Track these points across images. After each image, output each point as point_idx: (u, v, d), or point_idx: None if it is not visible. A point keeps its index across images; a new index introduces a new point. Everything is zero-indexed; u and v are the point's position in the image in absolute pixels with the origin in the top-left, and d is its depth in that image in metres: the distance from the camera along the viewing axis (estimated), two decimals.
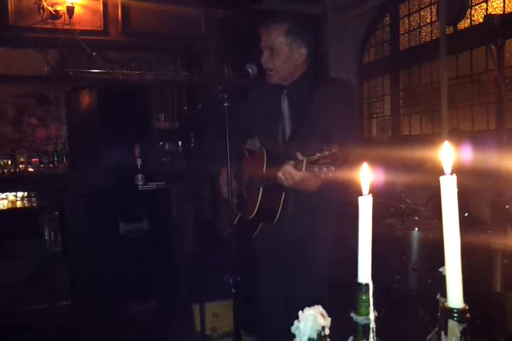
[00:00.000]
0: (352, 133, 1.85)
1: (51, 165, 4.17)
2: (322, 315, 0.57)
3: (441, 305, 0.68)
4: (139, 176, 3.17)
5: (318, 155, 1.51)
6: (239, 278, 1.76)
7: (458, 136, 3.04)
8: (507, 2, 3.15)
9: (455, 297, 0.59)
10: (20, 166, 4.07)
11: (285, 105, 1.93)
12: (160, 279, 3.18)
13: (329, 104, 1.80)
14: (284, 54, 1.86)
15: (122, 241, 3.10)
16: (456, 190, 0.57)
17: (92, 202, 3.19)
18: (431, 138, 3.81)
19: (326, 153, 1.49)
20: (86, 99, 3.37)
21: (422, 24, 4.05)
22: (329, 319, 0.57)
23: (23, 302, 3.22)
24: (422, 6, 4.04)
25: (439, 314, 0.70)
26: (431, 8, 3.93)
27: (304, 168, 1.56)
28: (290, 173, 1.60)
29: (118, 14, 4.07)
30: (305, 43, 1.88)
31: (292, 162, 1.61)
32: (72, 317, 3.28)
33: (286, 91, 1.94)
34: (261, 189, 1.79)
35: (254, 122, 2.05)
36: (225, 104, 1.67)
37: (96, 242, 3.15)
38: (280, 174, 1.64)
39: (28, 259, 3.38)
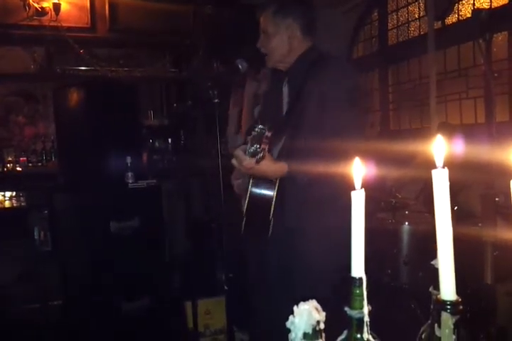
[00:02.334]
0: (342, 119, 1.70)
1: (40, 164, 4.14)
2: (317, 309, 0.57)
3: (434, 297, 0.68)
4: (129, 174, 3.15)
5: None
6: (231, 275, 1.76)
7: (448, 129, 3.06)
8: None
9: (448, 289, 0.60)
10: (8, 165, 4.03)
11: (285, 91, 1.88)
12: (152, 277, 3.17)
13: (320, 86, 1.71)
14: (273, 34, 1.81)
15: (113, 240, 3.08)
16: (448, 184, 0.58)
17: (82, 201, 3.16)
18: (420, 133, 3.84)
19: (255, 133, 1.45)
20: (74, 96, 3.34)
21: (410, 19, 4.06)
22: (324, 313, 0.57)
23: (14, 302, 3.20)
24: (410, 1, 4.06)
25: (431, 306, 0.70)
26: (419, 3, 3.94)
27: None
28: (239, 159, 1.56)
29: (105, 11, 4.03)
30: (294, 19, 1.81)
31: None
32: (64, 317, 3.26)
33: (287, 78, 1.89)
34: (251, 178, 1.73)
35: (263, 115, 2.01)
36: (215, 100, 1.66)
37: (86, 241, 3.13)
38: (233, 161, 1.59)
39: (18, 259, 3.36)
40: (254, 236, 1.87)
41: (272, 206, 1.70)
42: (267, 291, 1.96)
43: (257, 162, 1.49)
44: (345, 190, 1.79)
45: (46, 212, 3.53)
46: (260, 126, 1.45)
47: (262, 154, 1.45)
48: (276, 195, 1.69)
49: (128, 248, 3.08)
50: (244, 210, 1.75)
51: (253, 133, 1.45)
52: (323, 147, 1.59)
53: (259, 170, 1.56)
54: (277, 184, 1.70)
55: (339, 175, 1.55)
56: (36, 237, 3.50)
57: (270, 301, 1.92)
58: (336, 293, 1.59)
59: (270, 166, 1.58)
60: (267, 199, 1.70)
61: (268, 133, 1.45)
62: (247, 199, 1.71)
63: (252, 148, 1.45)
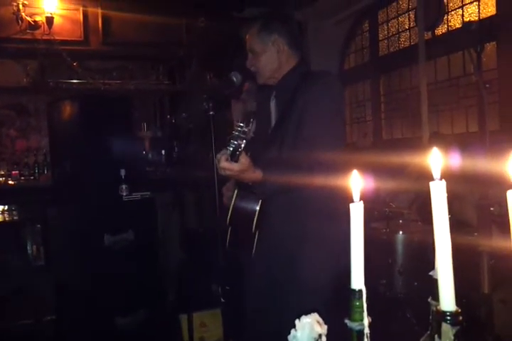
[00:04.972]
0: (326, 130, 1.70)
1: (32, 178, 4.11)
2: (318, 322, 0.57)
3: (433, 308, 0.68)
4: (123, 186, 3.14)
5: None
6: (228, 287, 1.75)
7: (439, 139, 3.09)
8: (482, 8, 3.23)
9: (447, 300, 0.60)
10: (1, 179, 4.00)
11: (273, 106, 1.90)
12: (147, 290, 3.14)
13: (306, 97, 1.72)
14: (261, 52, 1.82)
15: (107, 253, 3.06)
16: (445, 195, 0.58)
17: (76, 214, 3.14)
18: (412, 142, 3.87)
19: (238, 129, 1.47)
20: (67, 109, 3.33)
21: (400, 30, 4.11)
22: (326, 326, 0.57)
23: (6, 317, 3.15)
24: (400, 13, 4.11)
25: (430, 317, 0.71)
26: (409, 15, 4.00)
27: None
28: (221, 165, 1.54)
29: (98, 24, 4.05)
30: (279, 34, 1.82)
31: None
32: (57, 332, 3.22)
33: (274, 93, 1.90)
34: (235, 190, 1.73)
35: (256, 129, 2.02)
36: (211, 113, 1.66)
37: (80, 255, 3.10)
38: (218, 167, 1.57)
39: (11, 273, 3.32)
40: (238, 251, 1.87)
41: (255, 220, 1.69)
42: (260, 298, 1.94)
43: (236, 160, 1.48)
44: (329, 199, 1.80)
45: (39, 225, 3.51)
46: (240, 124, 1.46)
47: (240, 150, 1.45)
48: (260, 209, 1.69)
49: (122, 261, 3.05)
50: (227, 223, 1.74)
51: (233, 133, 1.46)
52: (300, 157, 1.61)
53: (234, 170, 1.52)
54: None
55: (317, 184, 1.59)
56: (29, 251, 3.47)
57: (261, 309, 1.91)
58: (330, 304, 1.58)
59: (245, 168, 1.53)
60: (250, 213, 1.69)
61: (245, 129, 1.45)
62: (230, 212, 1.70)
63: (231, 145, 1.46)
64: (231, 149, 1.47)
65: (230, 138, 1.46)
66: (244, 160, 1.50)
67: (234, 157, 1.47)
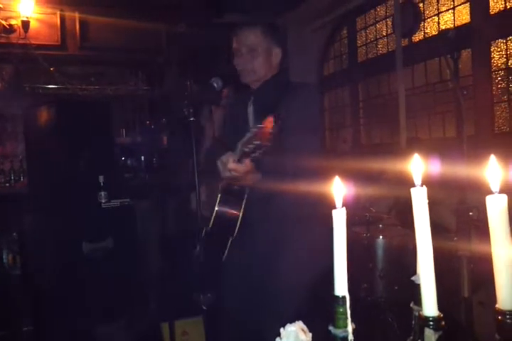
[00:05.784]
0: (309, 138, 1.79)
1: (7, 185, 4.02)
2: (303, 330, 0.57)
3: (415, 313, 0.68)
4: (102, 193, 3.10)
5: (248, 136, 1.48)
6: (210, 295, 1.74)
7: (418, 144, 3.13)
8: (456, 16, 3.30)
9: (430, 305, 0.60)
10: None
11: (251, 111, 1.92)
12: (127, 298, 3.10)
13: (288, 107, 1.77)
14: (263, 53, 1.87)
15: (86, 261, 3.01)
16: (426, 201, 0.59)
17: (53, 222, 3.09)
18: (391, 147, 3.91)
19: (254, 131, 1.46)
20: (44, 115, 3.28)
21: (378, 37, 4.17)
22: (310, 334, 0.56)
23: None
24: (377, 19, 4.17)
25: (413, 322, 0.71)
26: (386, 21, 4.06)
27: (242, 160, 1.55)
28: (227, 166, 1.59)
29: (76, 28, 4.01)
30: (278, 44, 1.91)
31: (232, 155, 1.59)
32: None
33: (252, 98, 1.94)
34: (219, 195, 1.76)
35: (228, 133, 2.03)
36: (191, 119, 1.67)
37: (58, 263, 3.04)
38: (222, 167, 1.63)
39: None
40: (209, 255, 1.88)
41: (238, 224, 1.72)
42: (240, 303, 1.95)
43: (253, 160, 1.52)
44: (310, 205, 1.83)
45: (15, 234, 3.43)
46: (258, 126, 1.45)
47: (262, 149, 1.44)
48: (243, 214, 1.72)
49: (102, 269, 3.01)
50: (210, 227, 1.76)
51: (248, 134, 1.47)
52: (284, 164, 1.67)
53: (240, 172, 1.56)
54: (244, 202, 1.72)
55: (301, 191, 1.64)
56: (5, 261, 3.39)
57: (241, 315, 1.91)
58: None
59: (250, 169, 1.58)
60: (232, 218, 1.72)
61: (270, 130, 1.41)
62: (213, 216, 1.73)
63: (249, 146, 1.45)
64: (245, 150, 1.48)
65: (248, 138, 1.46)
66: (248, 162, 1.55)
67: (240, 159, 1.53)
